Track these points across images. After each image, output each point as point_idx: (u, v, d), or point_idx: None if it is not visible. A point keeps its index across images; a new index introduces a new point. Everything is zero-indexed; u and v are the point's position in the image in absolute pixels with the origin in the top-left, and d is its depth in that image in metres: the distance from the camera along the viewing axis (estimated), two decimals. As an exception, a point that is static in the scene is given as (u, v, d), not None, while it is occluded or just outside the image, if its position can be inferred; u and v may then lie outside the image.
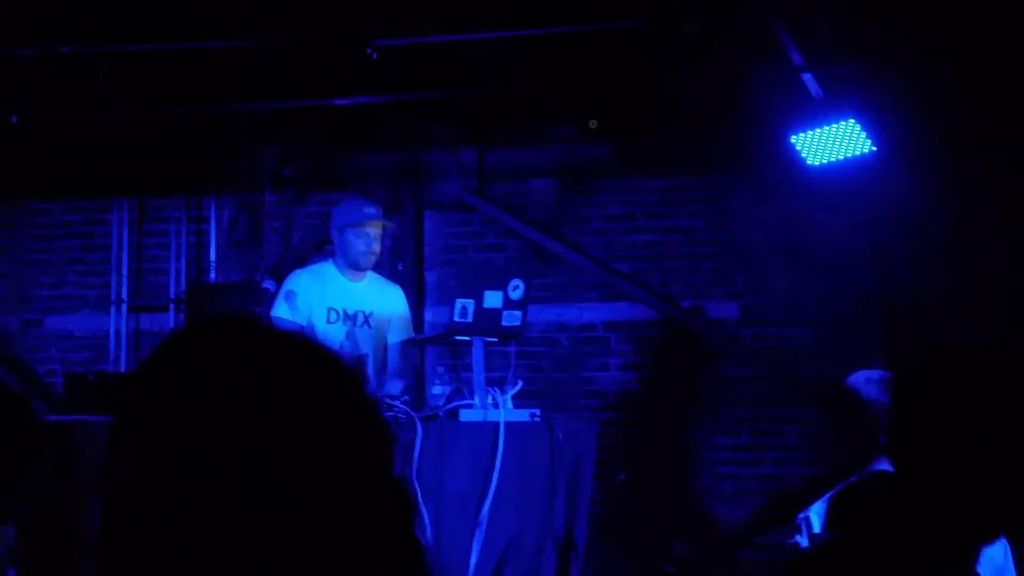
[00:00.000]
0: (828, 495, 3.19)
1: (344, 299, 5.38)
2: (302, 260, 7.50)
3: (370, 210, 5.41)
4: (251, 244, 7.72)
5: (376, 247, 5.38)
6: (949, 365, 1.84)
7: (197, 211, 7.95)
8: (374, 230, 5.37)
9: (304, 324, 5.27)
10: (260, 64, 6.42)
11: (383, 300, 5.48)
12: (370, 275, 5.48)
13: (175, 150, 7.63)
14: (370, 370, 5.33)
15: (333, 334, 5.30)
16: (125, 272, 7.97)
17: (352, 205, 5.50)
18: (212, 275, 7.83)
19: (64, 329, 8.04)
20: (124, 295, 7.97)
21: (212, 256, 7.86)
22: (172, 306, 7.84)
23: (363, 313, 5.39)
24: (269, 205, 7.74)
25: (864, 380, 3.16)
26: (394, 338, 5.45)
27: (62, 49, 6.10)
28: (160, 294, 7.93)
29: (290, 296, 5.25)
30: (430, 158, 7.59)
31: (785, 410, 6.95)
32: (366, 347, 5.34)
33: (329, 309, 5.35)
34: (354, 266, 5.38)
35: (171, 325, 7.77)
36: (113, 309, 7.95)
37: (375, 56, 5.95)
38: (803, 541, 3.20)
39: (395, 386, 5.35)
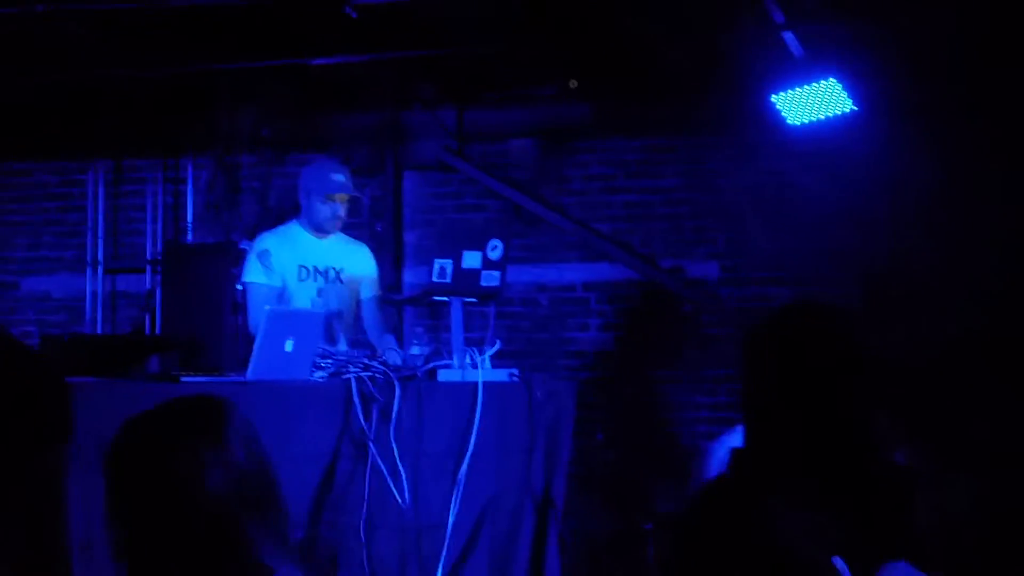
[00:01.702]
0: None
1: (314, 256, 5.37)
2: (280, 221, 7.48)
3: (339, 177, 5.37)
4: (228, 205, 7.68)
5: (342, 213, 5.38)
6: (782, 319, 2.06)
7: (174, 172, 7.91)
8: (341, 198, 5.36)
9: (279, 285, 5.26)
10: (238, 23, 6.35)
11: (352, 258, 5.49)
12: (336, 233, 5.49)
13: (152, 111, 7.57)
14: (342, 326, 5.34)
15: (305, 292, 5.30)
16: (101, 234, 7.94)
17: (321, 171, 5.45)
18: (189, 236, 7.79)
19: (40, 291, 8.00)
20: (101, 257, 7.93)
21: (189, 217, 7.82)
22: (148, 268, 7.80)
23: (334, 269, 5.40)
24: (247, 166, 7.69)
25: None
26: (367, 294, 5.46)
27: (36, 8, 6.01)
28: (137, 256, 7.89)
29: (264, 256, 5.23)
30: (410, 118, 7.55)
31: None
32: (339, 303, 5.36)
33: (300, 267, 5.33)
34: (319, 230, 5.39)
35: (147, 287, 7.73)
36: (89, 271, 7.92)
37: (354, 15, 5.89)
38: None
39: (389, 340, 5.36)
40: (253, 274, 5.25)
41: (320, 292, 5.32)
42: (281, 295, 5.26)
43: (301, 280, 5.32)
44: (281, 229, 5.52)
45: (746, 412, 2.02)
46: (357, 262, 5.50)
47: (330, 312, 5.25)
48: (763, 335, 2.02)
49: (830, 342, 1.98)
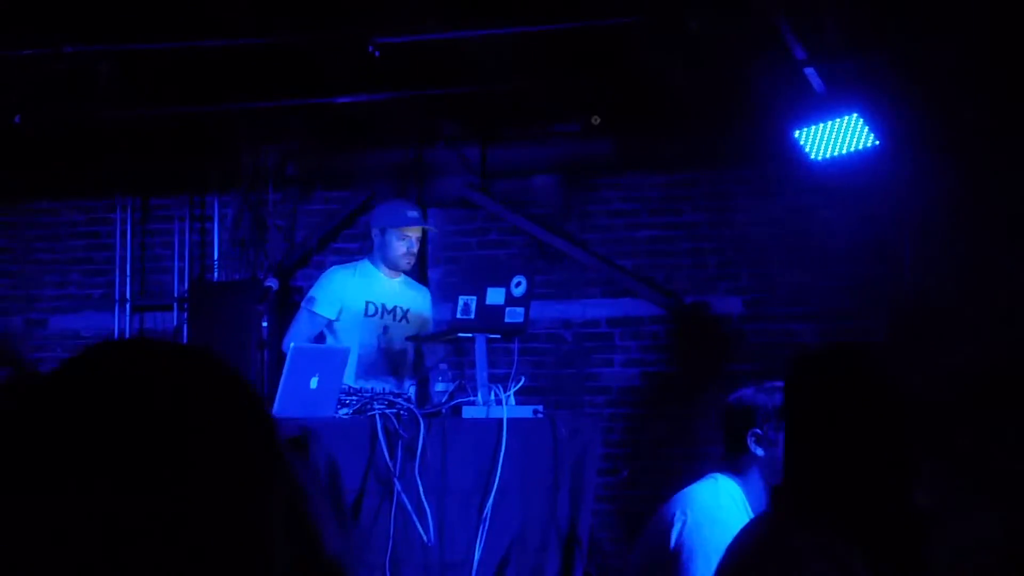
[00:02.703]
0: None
1: (382, 294, 5.54)
2: (305, 258, 7.57)
3: (413, 214, 5.58)
4: (254, 242, 7.73)
5: (415, 250, 5.57)
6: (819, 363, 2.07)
7: (200, 209, 7.96)
8: (415, 234, 5.54)
9: (329, 317, 5.43)
10: (263, 62, 6.42)
11: (418, 300, 5.68)
12: (402, 275, 5.66)
13: (178, 149, 7.64)
14: (408, 365, 5.49)
15: (371, 327, 5.45)
16: (129, 271, 7.99)
17: (396, 207, 5.68)
18: (215, 274, 7.84)
19: (69, 329, 8.05)
20: (128, 294, 7.98)
21: (215, 255, 7.86)
22: (176, 305, 7.85)
23: (401, 308, 5.56)
24: (272, 203, 7.74)
25: (753, 391, 3.24)
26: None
27: (64, 49, 6.10)
28: (164, 293, 7.94)
29: (309, 302, 5.51)
30: (433, 155, 7.59)
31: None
32: (403, 343, 5.49)
33: (368, 302, 5.49)
34: (392, 266, 5.57)
35: (175, 324, 7.78)
36: (117, 308, 7.97)
37: (377, 54, 5.96)
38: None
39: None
40: (306, 302, 5.53)
41: (386, 330, 5.48)
42: (329, 324, 5.44)
43: (368, 316, 5.48)
44: (352, 264, 5.72)
45: (787, 450, 2.04)
46: (421, 303, 5.68)
47: (395, 351, 5.44)
48: (804, 377, 2.04)
49: (870, 386, 1.98)
